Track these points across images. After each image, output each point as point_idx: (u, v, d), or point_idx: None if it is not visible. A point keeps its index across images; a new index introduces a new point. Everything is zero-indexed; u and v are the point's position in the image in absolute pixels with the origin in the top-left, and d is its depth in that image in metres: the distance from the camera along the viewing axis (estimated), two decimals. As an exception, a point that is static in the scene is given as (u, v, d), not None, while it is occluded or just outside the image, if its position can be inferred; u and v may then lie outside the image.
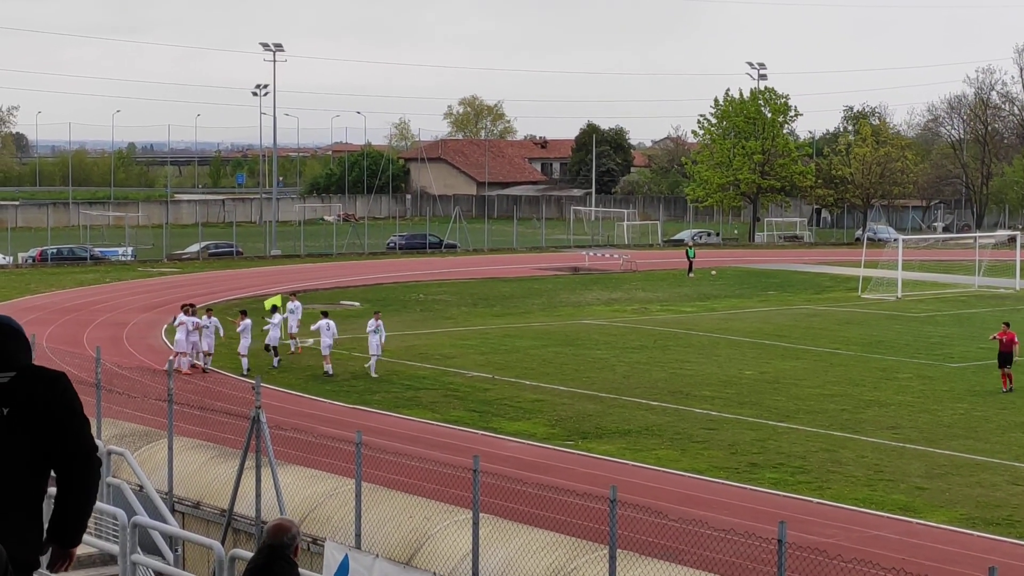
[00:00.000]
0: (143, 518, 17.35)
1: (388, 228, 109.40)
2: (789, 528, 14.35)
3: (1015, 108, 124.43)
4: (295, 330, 45.93)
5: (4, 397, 5.88)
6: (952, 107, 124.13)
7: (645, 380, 40.64)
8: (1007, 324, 40.91)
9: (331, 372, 41.40)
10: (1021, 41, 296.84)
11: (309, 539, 19.83)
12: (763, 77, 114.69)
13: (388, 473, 22.76)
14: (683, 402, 37.00)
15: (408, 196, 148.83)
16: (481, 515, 17.69)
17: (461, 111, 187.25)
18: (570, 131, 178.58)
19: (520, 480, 20.85)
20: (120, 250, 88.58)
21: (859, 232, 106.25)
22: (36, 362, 6.11)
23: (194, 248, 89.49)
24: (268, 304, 45.83)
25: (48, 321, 53.89)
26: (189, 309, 43.60)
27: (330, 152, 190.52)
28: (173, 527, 18.85)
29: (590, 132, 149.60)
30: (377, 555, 18.59)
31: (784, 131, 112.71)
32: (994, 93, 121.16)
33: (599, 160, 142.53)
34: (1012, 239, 76.09)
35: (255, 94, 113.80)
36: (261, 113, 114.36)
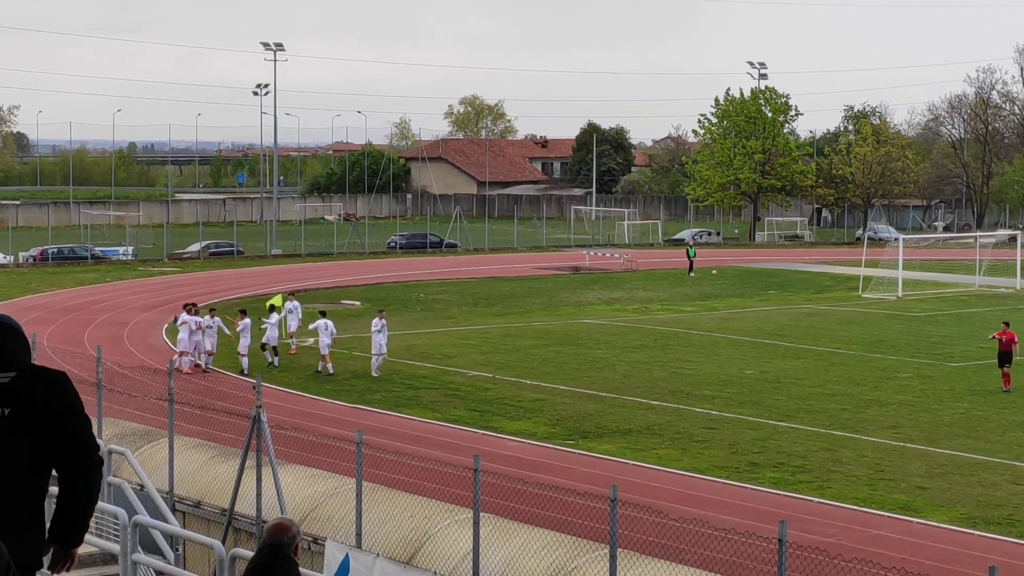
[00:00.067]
0: (144, 517, 17.36)
1: (389, 227, 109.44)
2: (790, 528, 14.35)
3: (1016, 107, 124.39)
4: (294, 329, 45.94)
5: (5, 397, 5.87)
6: (953, 106, 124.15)
7: (646, 379, 40.64)
8: (1007, 324, 40.94)
9: (332, 371, 41.40)
10: (1022, 40, 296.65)
11: (310, 538, 19.84)
12: (764, 76, 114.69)
13: (389, 472, 22.75)
14: (684, 401, 37.00)
15: (409, 196, 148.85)
16: (482, 514, 17.69)
17: (462, 110, 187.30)
18: (571, 130, 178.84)
19: (521, 479, 20.85)
20: (121, 249, 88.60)
21: (860, 232, 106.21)
22: (37, 362, 6.12)
23: (195, 247, 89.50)
24: (270, 304, 45.97)
25: (49, 320, 53.91)
26: (192, 308, 43.60)
27: (331, 152, 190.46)
28: (174, 526, 18.87)
29: (591, 131, 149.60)
30: (378, 554, 18.60)
31: (785, 130, 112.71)
32: (995, 92, 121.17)
33: (600, 159, 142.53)
34: (1013, 238, 76.07)
35: (256, 93, 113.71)
36: (262, 112, 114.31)
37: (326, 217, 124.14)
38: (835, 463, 29.80)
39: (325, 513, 20.54)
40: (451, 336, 50.92)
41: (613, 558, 15.75)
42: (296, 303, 47.01)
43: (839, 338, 50.23)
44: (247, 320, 43.09)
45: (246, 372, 41.44)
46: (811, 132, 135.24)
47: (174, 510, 21.29)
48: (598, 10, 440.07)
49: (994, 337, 40.12)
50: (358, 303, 61.28)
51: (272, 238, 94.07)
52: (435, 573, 17.79)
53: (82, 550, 6.66)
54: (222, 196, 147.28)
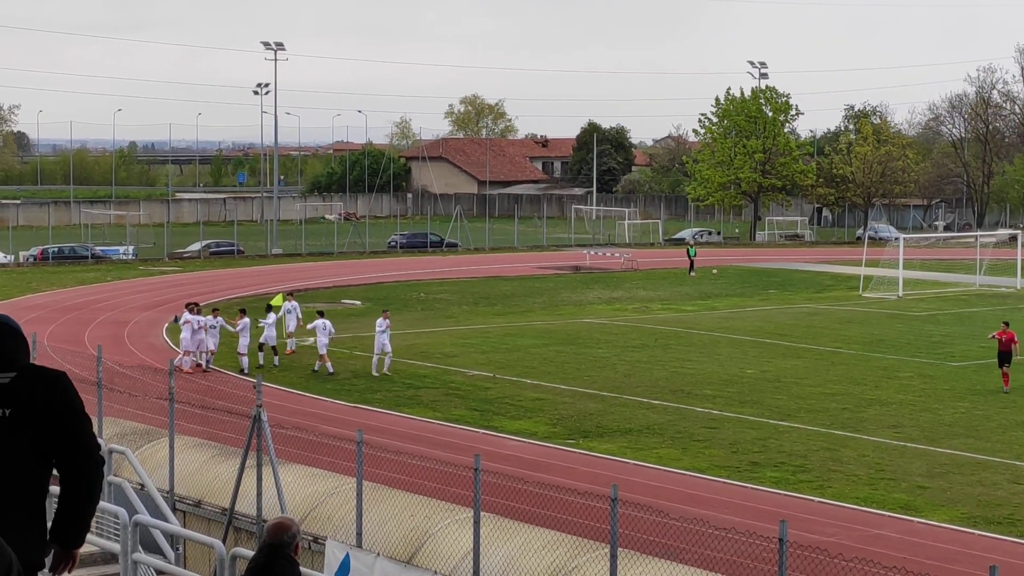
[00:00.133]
0: (144, 517, 17.36)
1: (389, 227, 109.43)
2: (790, 527, 14.35)
3: (1016, 107, 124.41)
4: (292, 329, 45.94)
5: (5, 398, 5.86)
6: (953, 106, 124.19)
7: (646, 379, 40.65)
8: (1006, 323, 40.97)
9: (331, 370, 41.42)
10: (1022, 40, 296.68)
11: (310, 538, 19.84)
12: (764, 76, 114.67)
13: (389, 472, 22.76)
14: (684, 401, 37.00)
15: (409, 195, 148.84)
16: (482, 514, 17.69)
17: (462, 110, 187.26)
18: (571, 130, 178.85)
19: (521, 479, 20.84)
20: (121, 249, 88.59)
21: (860, 231, 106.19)
22: (37, 361, 6.11)
23: (195, 247, 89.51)
24: (268, 304, 46.04)
25: (49, 320, 53.92)
26: (194, 308, 43.59)
27: (331, 151, 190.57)
28: (174, 526, 18.87)
29: (591, 131, 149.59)
30: (378, 554, 18.60)
31: (785, 130, 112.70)
32: (995, 92, 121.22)
33: (600, 159, 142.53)
34: (1013, 238, 76.08)
35: (256, 93, 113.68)
36: (262, 112, 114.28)
37: (326, 216, 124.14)
38: (836, 462, 29.80)
39: (325, 512, 20.54)
40: (451, 335, 50.93)
41: (614, 557, 15.75)
42: (295, 303, 47.01)
43: (840, 337, 50.23)
44: (246, 319, 43.10)
45: (246, 371, 41.47)
46: (811, 131, 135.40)
47: (174, 509, 21.30)
48: (598, 10, 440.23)
49: (994, 337, 40.13)
50: (358, 303, 61.29)
51: (272, 237, 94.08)
52: (435, 572, 17.78)
53: (83, 549, 6.65)
54: (222, 195, 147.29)
